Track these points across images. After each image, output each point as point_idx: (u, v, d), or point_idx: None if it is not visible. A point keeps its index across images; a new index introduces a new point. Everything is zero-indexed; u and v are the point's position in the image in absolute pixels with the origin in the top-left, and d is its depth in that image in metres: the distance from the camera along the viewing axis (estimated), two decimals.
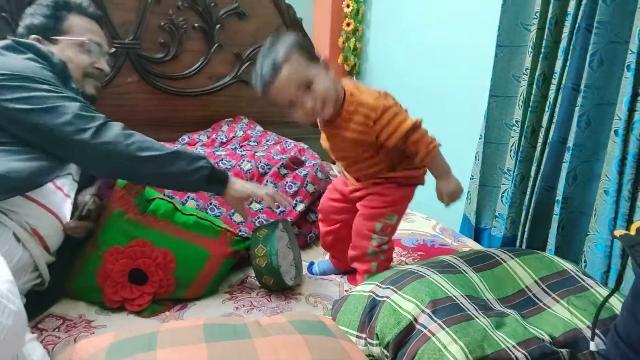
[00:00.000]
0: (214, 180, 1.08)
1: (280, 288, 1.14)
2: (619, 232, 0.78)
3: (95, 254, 1.07)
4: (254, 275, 1.24)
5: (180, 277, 1.08)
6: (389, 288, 0.90)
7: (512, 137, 1.46)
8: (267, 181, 1.43)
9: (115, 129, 1.00)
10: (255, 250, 1.11)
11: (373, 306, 0.88)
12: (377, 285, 0.93)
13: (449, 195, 1.08)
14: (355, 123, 1.02)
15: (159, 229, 1.09)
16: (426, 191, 1.81)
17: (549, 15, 1.29)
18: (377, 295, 0.91)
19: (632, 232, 0.77)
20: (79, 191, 1.12)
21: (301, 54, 0.98)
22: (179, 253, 1.08)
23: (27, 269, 0.95)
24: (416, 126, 1.03)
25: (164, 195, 1.26)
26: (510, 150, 1.47)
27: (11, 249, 0.91)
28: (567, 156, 1.28)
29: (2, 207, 0.92)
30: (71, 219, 1.07)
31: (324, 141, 1.15)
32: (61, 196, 1.05)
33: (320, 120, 1.10)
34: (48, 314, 1.03)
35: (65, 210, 1.05)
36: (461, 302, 0.86)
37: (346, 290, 1.19)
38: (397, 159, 1.10)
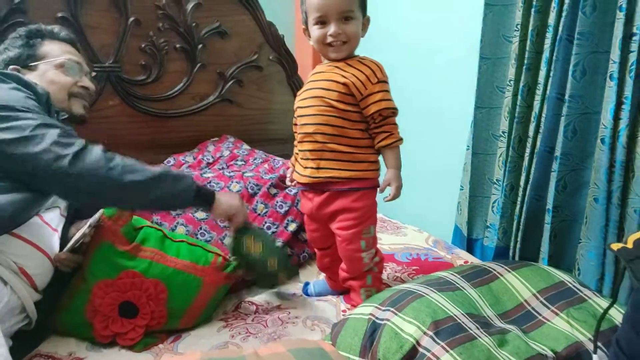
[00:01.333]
0: (200, 199, 1.05)
1: (285, 269, 1.12)
2: (616, 246, 0.78)
3: (83, 288, 1.03)
4: (248, 299, 1.22)
5: (173, 307, 1.05)
6: (388, 310, 0.89)
7: (500, 147, 1.47)
8: (257, 202, 1.41)
9: (95, 153, 0.95)
10: (243, 241, 1.09)
11: (374, 330, 0.87)
12: (376, 307, 0.92)
13: (398, 189, 1.08)
14: (359, 71, 1.05)
15: (148, 258, 1.06)
16: (417, 204, 1.82)
17: (530, 28, 1.30)
18: (377, 317, 0.89)
19: (630, 244, 0.77)
20: (68, 224, 1.09)
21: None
22: (170, 283, 1.05)
23: (14, 311, 0.91)
24: (397, 112, 1.08)
25: (152, 222, 1.24)
26: (499, 161, 1.48)
27: None
28: (555, 165, 1.29)
29: None
30: (61, 251, 1.03)
31: (299, 102, 1.12)
32: (49, 232, 1.02)
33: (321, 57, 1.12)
34: (36, 353, 0.99)
35: (54, 245, 1.02)
36: (462, 322, 0.85)
37: (343, 311, 1.17)
38: (358, 141, 1.08)
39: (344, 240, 1.10)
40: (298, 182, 1.15)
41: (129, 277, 1.02)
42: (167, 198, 1.00)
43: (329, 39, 1.04)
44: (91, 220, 1.05)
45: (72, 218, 1.13)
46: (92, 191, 0.94)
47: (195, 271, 1.08)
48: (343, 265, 1.15)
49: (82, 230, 1.04)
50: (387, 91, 1.07)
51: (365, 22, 1.09)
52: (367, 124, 1.08)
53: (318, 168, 1.08)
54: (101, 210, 1.08)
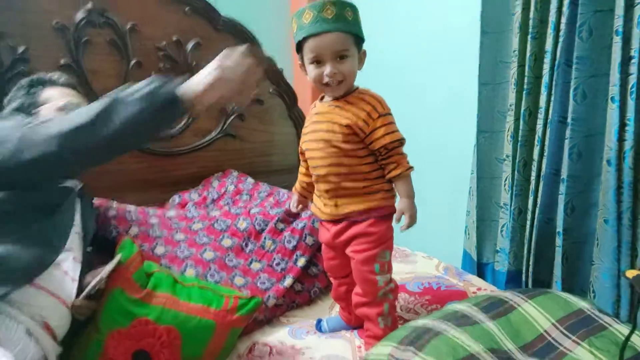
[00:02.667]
0: (169, 104, 0.93)
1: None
2: (631, 273, 0.78)
3: (97, 338, 1.01)
4: (261, 341, 1.19)
5: (187, 353, 1.03)
6: (408, 350, 0.87)
7: (505, 171, 1.47)
8: (264, 238, 1.40)
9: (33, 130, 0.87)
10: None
11: None
12: (394, 347, 0.90)
13: (412, 217, 1.07)
14: (359, 109, 1.05)
15: (160, 304, 1.05)
16: (424, 230, 1.81)
17: (528, 53, 1.32)
18: (397, 358, 0.87)
19: None
20: (85, 269, 1.08)
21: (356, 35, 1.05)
22: (183, 328, 1.03)
23: None
24: (402, 142, 1.07)
25: (160, 265, 1.23)
26: (504, 184, 1.48)
27: (24, 347, 0.86)
28: (562, 188, 1.29)
29: (14, 299, 0.87)
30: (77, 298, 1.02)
31: (310, 158, 1.13)
32: (69, 282, 1.01)
33: (322, 99, 1.12)
34: None
35: (73, 295, 1.01)
36: (485, 359, 0.84)
37: (358, 347, 1.15)
38: (370, 174, 1.09)
39: (358, 262, 1.10)
40: (318, 217, 1.17)
41: (142, 324, 1.01)
42: (132, 123, 0.89)
43: (326, 79, 1.04)
44: (108, 267, 1.04)
45: (87, 263, 1.12)
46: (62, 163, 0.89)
47: (208, 315, 1.06)
48: (357, 290, 1.14)
49: (99, 276, 1.03)
50: (391, 123, 1.07)
51: (362, 56, 1.09)
52: (376, 156, 1.08)
53: (337, 205, 1.10)
54: (118, 256, 1.08)
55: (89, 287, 1.01)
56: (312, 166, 1.13)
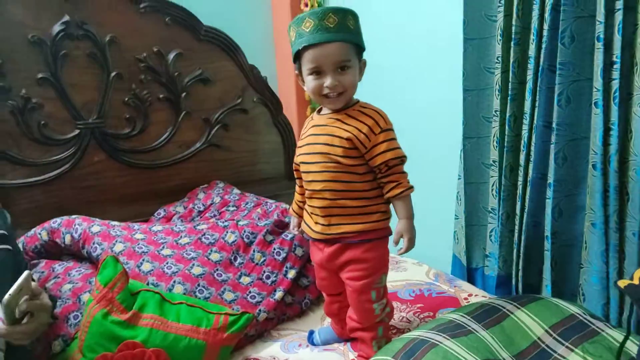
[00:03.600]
0: None
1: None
2: (623, 283, 0.78)
3: None
4: (253, 356, 1.17)
5: None
6: None
7: (492, 176, 1.48)
8: (254, 251, 1.38)
9: None
10: None
11: None
12: None
13: (411, 240, 1.04)
14: (361, 122, 1.01)
15: (148, 326, 1.02)
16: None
17: (511, 60, 1.33)
18: None
19: (636, 281, 0.77)
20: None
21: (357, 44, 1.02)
22: (173, 350, 1.00)
23: None
24: (403, 160, 1.04)
25: (147, 283, 1.20)
26: (492, 189, 1.49)
27: None
28: (549, 192, 1.30)
29: None
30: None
31: (305, 173, 1.09)
32: None
33: (319, 111, 1.09)
34: None
35: None
36: None
37: None
38: (368, 193, 1.05)
39: (354, 291, 1.07)
40: (309, 236, 1.11)
41: (129, 348, 0.98)
42: None
43: (325, 91, 1.00)
44: (13, 288, 0.91)
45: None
46: None
47: (197, 335, 1.03)
48: (352, 315, 1.12)
49: (5, 299, 0.90)
50: (393, 139, 1.03)
51: (362, 66, 1.05)
52: (375, 174, 1.04)
53: (329, 225, 1.05)
54: (26, 272, 0.96)
55: (4, 315, 0.91)
56: (306, 180, 1.08)
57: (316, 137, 1.05)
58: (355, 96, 1.08)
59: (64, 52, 1.52)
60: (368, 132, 1.01)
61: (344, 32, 0.98)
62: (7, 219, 1.20)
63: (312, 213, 1.10)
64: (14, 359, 0.95)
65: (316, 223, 1.08)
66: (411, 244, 1.03)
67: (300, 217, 1.18)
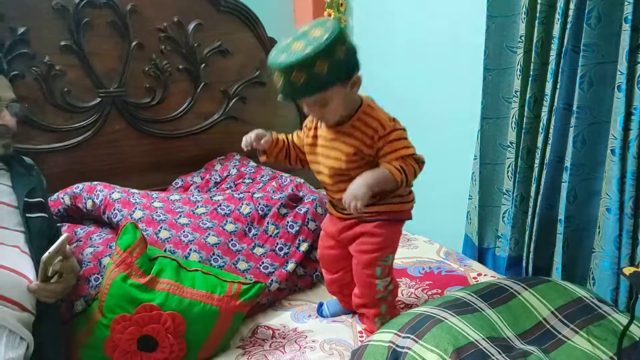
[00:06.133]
0: None
1: None
2: (628, 270, 0.79)
3: (102, 324, 1.03)
4: (264, 324, 1.22)
5: (191, 339, 1.05)
6: (408, 337, 0.89)
7: (508, 158, 1.47)
8: (267, 223, 1.41)
9: None
10: None
11: (395, 358, 0.87)
12: (395, 334, 0.92)
13: (356, 197, 0.96)
14: (362, 133, 1.02)
15: (165, 290, 1.06)
16: (427, 213, 1.82)
17: (535, 39, 1.30)
18: (397, 345, 0.89)
19: None
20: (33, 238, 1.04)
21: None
22: (188, 314, 1.05)
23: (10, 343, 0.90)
24: (417, 159, 1.03)
25: (164, 251, 1.24)
26: (507, 171, 1.48)
27: None
28: (565, 175, 1.29)
29: None
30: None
31: (313, 164, 1.11)
32: (14, 251, 0.99)
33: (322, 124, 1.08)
34: None
35: (25, 265, 0.99)
36: (484, 347, 0.85)
37: (360, 332, 1.18)
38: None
39: (359, 263, 1.10)
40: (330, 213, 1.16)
41: (147, 310, 1.03)
42: None
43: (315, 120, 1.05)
44: (52, 247, 0.98)
45: (37, 229, 1.07)
46: None
47: (212, 301, 1.08)
48: (356, 291, 1.15)
49: (44, 256, 0.96)
50: (397, 138, 1.01)
51: (355, 81, 0.99)
52: None
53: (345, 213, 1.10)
54: (65, 235, 1.03)
55: (40, 271, 0.98)
56: (320, 179, 1.12)
57: (324, 149, 1.07)
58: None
59: (86, 20, 1.54)
60: (370, 142, 1.02)
61: (314, 85, 0.93)
62: (44, 183, 1.25)
63: (331, 201, 1.14)
64: (43, 321, 1.00)
65: (335, 206, 1.13)
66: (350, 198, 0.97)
67: (276, 142, 1.14)
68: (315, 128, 1.10)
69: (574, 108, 1.23)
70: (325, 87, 0.94)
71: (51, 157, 1.57)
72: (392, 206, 1.07)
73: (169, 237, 1.29)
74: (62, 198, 1.43)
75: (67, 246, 1.05)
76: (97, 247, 1.26)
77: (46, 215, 1.14)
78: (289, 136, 1.18)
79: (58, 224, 1.34)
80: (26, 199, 1.09)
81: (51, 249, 0.97)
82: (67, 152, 1.60)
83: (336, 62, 0.92)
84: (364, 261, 1.09)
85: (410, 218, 1.13)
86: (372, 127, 1.01)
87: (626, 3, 1.09)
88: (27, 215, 1.07)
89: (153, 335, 1.01)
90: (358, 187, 0.97)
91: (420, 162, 1.04)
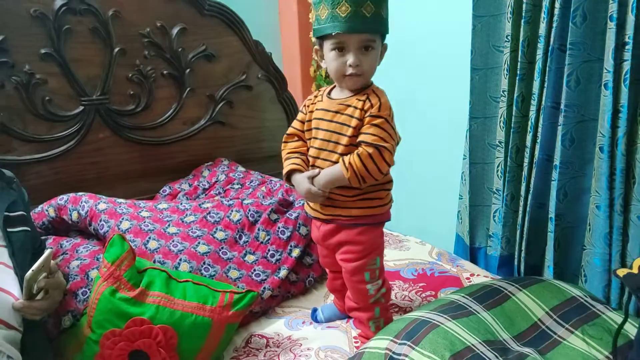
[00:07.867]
0: None
1: None
2: (622, 272, 0.79)
3: (91, 339, 1.01)
4: (258, 333, 1.20)
5: (184, 351, 1.03)
6: (405, 344, 0.88)
7: (497, 157, 1.47)
8: (258, 230, 1.39)
9: None
10: None
11: None
12: (391, 340, 0.91)
13: (320, 182, 1.02)
14: (368, 102, 1.00)
15: (155, 303, 1.04)
16: (416, 214, 1.82)
17: (521, 38, 1.30)
18: (394, 352, 0.88)
19: (635, 269, 0.77)
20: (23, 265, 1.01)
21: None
22: (179, 327, 1.03)
23: None
24: (387, 159, 0.99)
25: (154, 261, 1.21)
26: (497, 170, 1.48)
27: None
28: (555, 174, 1.29)
29: None
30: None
31: (313, 140, 1.08)
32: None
33: (329, 93, 1.07)
34: None
35: (9, 281, 0.95)
36: (481, 351, 0.85)
37: (355, 338, 1.16)
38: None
39: (347, 272, 1.09)
40: (308, 213, 1.14)
41: (137, 324, 1.00)
42: None
43: (349, 71, 0.98)
44: (36, 264, 0.95)
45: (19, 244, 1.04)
46: None
47: (204, 312, 1.05)
48: (350, 295, 1.14)
49: (27, 274, 0.93)
50: (382, 129, 0.98)
51: (383, 50, 1.04)
52: None
53: (325, 206, 1.07)
54: (49, 249, 1.01)
55: (24, 289, 0.94)
56: (311, 164, 1.08)
57: (326, 123, 1.04)
58: None
59: (67, 27, 1.51)
60: (362, 115, 1.00)
61: (379, 23, 0.98)
62: (25, 196, 1.21)
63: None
64: (30, 337, 0.97)
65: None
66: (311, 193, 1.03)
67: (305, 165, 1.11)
68: (314, 104, 1.08)
69: (562, 106, 1.24)
70: (380, 29, 1.00)
71: (34, 168, 1.54)
72: (371, 210, 1.05)
73: (158, 247, 1.27)
74: (47, 210, 1.39)
75: (52, 261, 1.02)
76: (84, 259, 1.23)
77: (29, 229, 1.11)
78: (300, 146, 1.13)
79: (43, 237, 1.30)
80: (6, 213, 1.06)
81: (34, 266, 0.94)
82: (50, 163, 1.56)
83: (387, 14, 1.01)
84: (351, 269, 1.08)
85: (389, 219, 1.11)
86: (372, 102, 1.01)
87: (611, 1, 1.09)
88: (9, 229, 1.04)
89: (144, 350, 0.99)
90: (320, 178, 1.02)
91: (387, 162, 1.00)
